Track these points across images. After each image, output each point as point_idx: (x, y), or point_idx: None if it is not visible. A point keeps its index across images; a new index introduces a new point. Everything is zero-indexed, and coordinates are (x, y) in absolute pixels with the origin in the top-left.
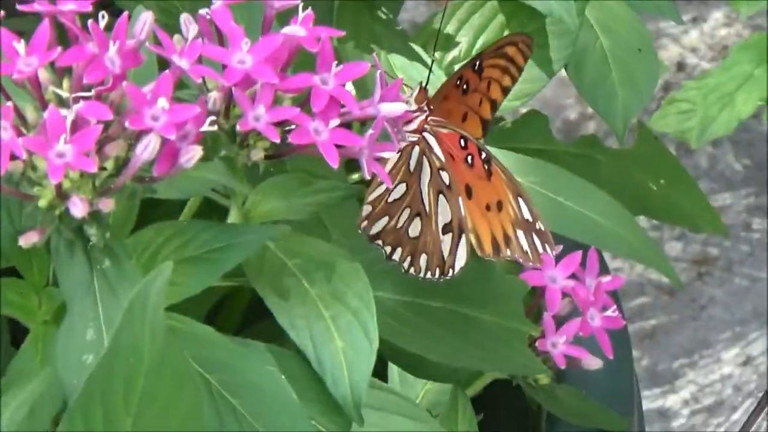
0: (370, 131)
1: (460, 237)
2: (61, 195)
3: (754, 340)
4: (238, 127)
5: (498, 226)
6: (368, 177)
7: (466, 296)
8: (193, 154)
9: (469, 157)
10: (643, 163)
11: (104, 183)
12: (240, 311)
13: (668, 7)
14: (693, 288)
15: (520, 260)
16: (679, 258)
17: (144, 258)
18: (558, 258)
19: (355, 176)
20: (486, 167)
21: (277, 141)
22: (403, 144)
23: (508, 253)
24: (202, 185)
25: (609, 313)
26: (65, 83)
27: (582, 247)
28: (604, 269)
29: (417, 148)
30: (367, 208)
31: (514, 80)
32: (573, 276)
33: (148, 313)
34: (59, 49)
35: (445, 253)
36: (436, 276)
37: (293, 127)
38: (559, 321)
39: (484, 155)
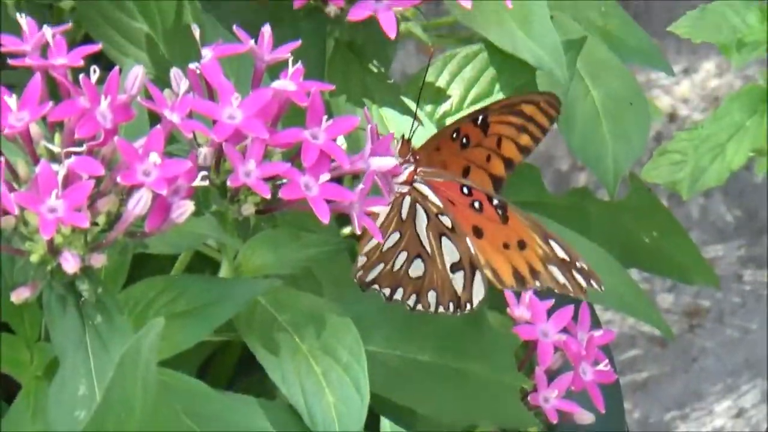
0: (361, 186)
1: (473, 273)
2: (53, 250)
3: (746, 392)
4: (228, 183)
5: (521, 261)
6: (359, 232)
7: (457, 350)
8: (184, 209)
9: (476, 203)
10: (634, 215)
11: (96, 238)
12: (231, 365)
13: (659, 59)
14: (685, 339)
15: (557, 290)
16: (670, 310)
17: (135, 313)
18: (550, 312)
19: (346, 230)
20: (500, 212)
21: (268, 197)
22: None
23: (537, 284)
24: (193, 240)
25: (601, 367)
26: (57, 138)
27: (574, 300)
28: (595, 322)
29: (408, 199)
30: (361, 259)
31: (535, 139)
32: (565, 330)
33: (140, 368)
34: (51, 103)
35: (459, 289)
36: (451, 310)
37: (284, 181)
38: (551, 375)
39: (496, 201)
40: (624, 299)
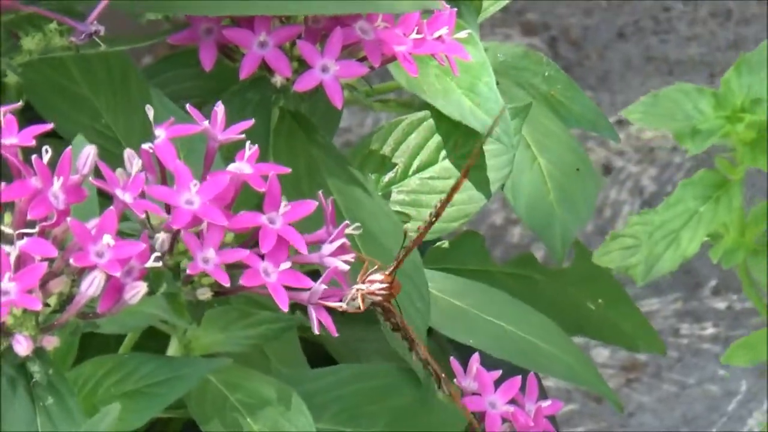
0: (321, 285)
1: None
2: (5, 333)
3: None
4: (188, 271)
5: None
6: (317, 330)
7: (406, 427)
8: (138, 290)
9: None
10: (580, 283)
11: (47, 319)
12: None
13: (604, 124)
14: (621, 395)
15: None
16: (606, 364)
17: (85, 391)
18: (497, 382)
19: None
20: None
21: (228, 285)
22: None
23: None
24: (143, 319)
25: None
26: (7, 218)
27: (521, 370)
28: (541, 390)
29: None
30: None
31: None
32: (513, 401)
33: None
34: (2, 184)
35: None
36: None
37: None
38: None
39: None
40: (571, 369)
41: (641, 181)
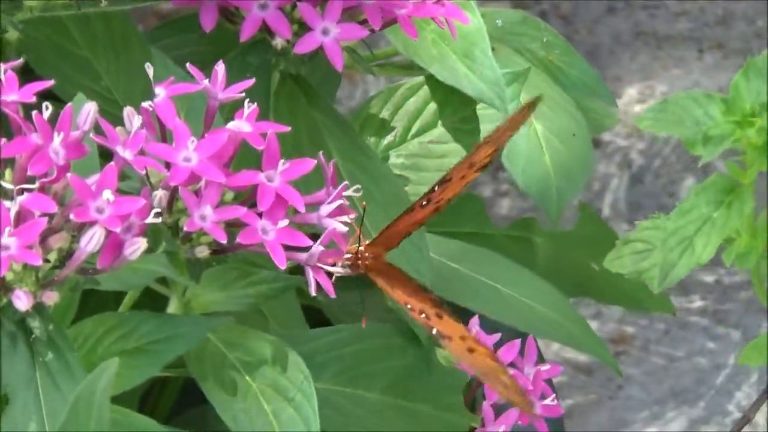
0: (319, 246)
1: None
2: (5, 288)
3: (671, 419)
4: (185, 228)
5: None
6: (313, 291)
7: (406, 388)
8: (137, 246)
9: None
10: (583, 245)
11: (47, 275)
12: (173, 396)
13: (602, 89)
14: (609, 367)
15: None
16: None
17: (85, 349)
18: (497, 346)
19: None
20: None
21: (225, 242)
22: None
23: None
24: (144, 277)
25: (548, 401)
26: (8, 174)
27: (520, 334)
28: (539, 355)
29: None
30: None
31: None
32: (512, 364)
33: (94, 409)
34: (2, 140)
35: None
36: None
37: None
38: (498, 410)
39: None
40: (569, 333)
41: (629, 155)
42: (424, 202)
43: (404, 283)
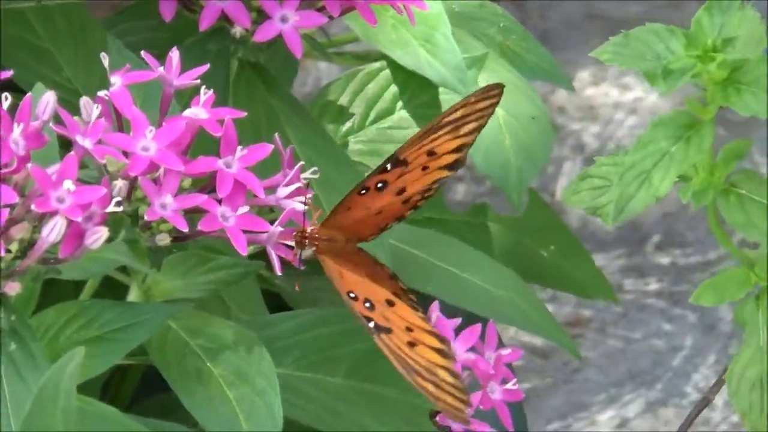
0: (278, 226)
1: None
2: None
3: (629, 402)
4: (146, 217)
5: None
6: (278, 271)
7: (369, 372)
8: (99, 235)
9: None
10: (534, 232)
11: (9, 265)
12: (133, 384)
13: (558, 73)
14: (566, 351)
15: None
16: None
17: (47, 338)
18: (457, 331)
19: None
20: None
21: (186, 230)
22: None
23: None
24: (105, 265)
25: (509, 386)
26: None
27: (479, 318)
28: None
29: None
30: None
31: (478, 128)
32: (473, 349)
33: (60, 398)
34: None
35: None
36: None
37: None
38: None
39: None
40: (528, 317)
41: (582, 138)
42: (379, 184)
43: (364, 269)
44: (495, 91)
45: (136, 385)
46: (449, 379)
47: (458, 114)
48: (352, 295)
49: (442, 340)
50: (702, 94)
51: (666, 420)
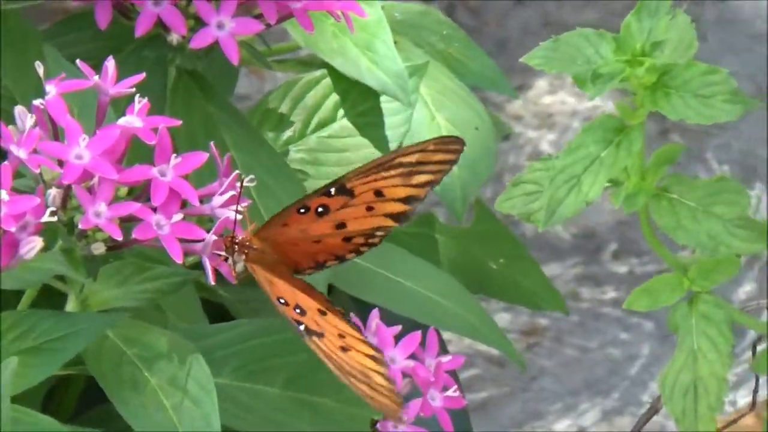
0: (212, 235)
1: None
2: None
3: (585, 410)
4: (80, 225)
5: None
6: (212, 281)
7: (307, 382)
8: (33, 245)
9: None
10: (481, 241)
11: None
12: (76, 396)
13: (502, 82)
14: (523, 359)
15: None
16: (507, 329)
17: None
18: (398, 338)
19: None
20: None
21: (120, 238)
22: None
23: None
24: (41, 275)
25: (450, 392)
26: None
27: (421, 326)
28: (442, 347)
29: None
30: None
31: (431, 181)
32: (413, 356)
33: None
34: None
35: None
36: None
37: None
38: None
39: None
40: (473, 326)
41: (540, 146)
42: (319, 208)
43: (296, 283)
44: (454, 146)
45: (79, 397)
46: (383, 382)
47: (413, 159)
48: (282, 300)
49: (375, 348)
50: (632, 98)
51: (622, 429)
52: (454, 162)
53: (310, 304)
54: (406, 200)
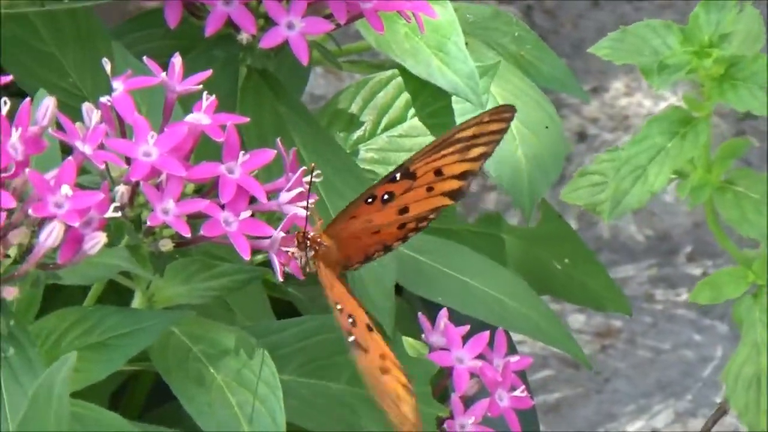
0: (280, 232)
1: None
2: None
3: (658, 412)
4: (148, 222)
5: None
6: (280, 277)
7: None
8: (97, 240)
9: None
10: (546, 242)
11: (7, 270)
12: (143, 394)
13: (573, 84)
14: (596, 361)
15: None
16: (582, 330)
17: (48, 345)
18: (465, 338)
19: (259, 257)
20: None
21: (188, 235)
22: None
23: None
24: (105, 271)
25: (517, 393)
26: None
27: (489, 326)
28: (511, 347)
29: None
30: None
31: (484, 153)
32: (481, 356)
33: (53, 402)
34: None
35: None
36: None
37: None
38: (467, 401)
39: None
40: (539, 327)
41: None
42: (385, 195)
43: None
44: (507, 114)
45: (149, 394)
46: (409, 414)
47: (470, 132)
48: (339, 307)
49: (408, 378)
50: (700, 90)
51: (694, 430)
52: (505, 130)
53: (362, 317)
54: (462, 176)
